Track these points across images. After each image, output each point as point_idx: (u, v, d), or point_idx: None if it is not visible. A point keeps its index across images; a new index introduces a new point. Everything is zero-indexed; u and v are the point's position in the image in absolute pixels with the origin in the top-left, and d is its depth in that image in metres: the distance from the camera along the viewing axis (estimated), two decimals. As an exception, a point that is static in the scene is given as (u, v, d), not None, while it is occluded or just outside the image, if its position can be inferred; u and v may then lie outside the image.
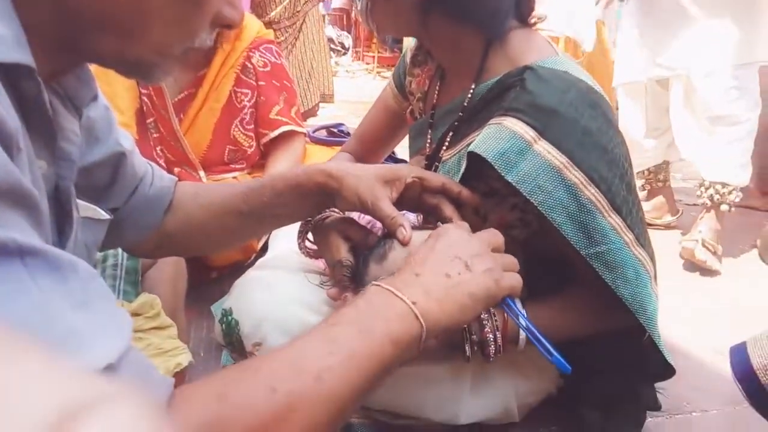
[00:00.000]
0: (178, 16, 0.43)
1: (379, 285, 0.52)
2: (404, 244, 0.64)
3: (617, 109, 2.17)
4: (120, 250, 0.86)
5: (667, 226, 2.24)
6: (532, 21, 0.76)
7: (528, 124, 0.65)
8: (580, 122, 0.65)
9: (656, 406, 0.82)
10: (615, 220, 0.68)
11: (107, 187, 0.63)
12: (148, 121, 1.50)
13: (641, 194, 2.27)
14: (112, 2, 0.40)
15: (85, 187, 0.60)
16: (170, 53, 0.45)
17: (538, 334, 0.61)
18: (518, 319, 0.62)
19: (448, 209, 0.70)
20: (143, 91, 1.46)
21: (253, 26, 1.52)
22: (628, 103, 2.15)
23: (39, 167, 0.42)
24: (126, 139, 0.65)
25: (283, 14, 2.65)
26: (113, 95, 1.38)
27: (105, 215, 0.61)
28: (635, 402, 0.81)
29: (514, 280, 0.59)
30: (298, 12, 2.69)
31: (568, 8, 2.49)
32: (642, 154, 2.15)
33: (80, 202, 0.56)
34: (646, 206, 2.24)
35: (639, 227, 0.71)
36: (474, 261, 0.55)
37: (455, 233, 0.59)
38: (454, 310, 0.52)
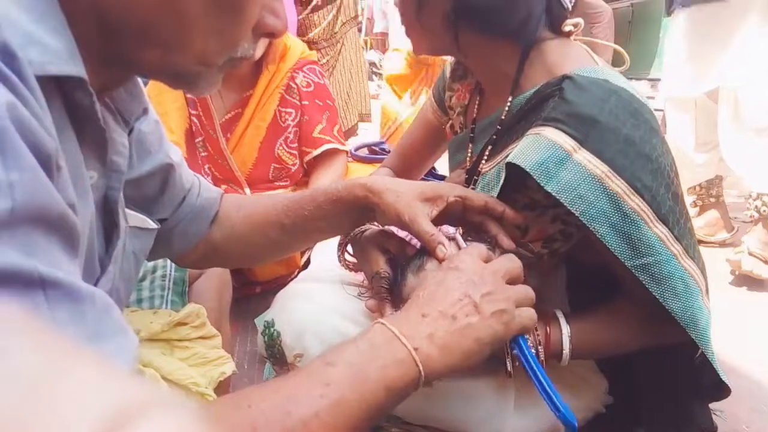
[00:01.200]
0: (218, 26, 0.44)
1: (383, 324, 0.51)
2: (442, 261, 0.63)
3: (663, 122, 2.11)
4: (168, 261, 0.89)
5: (722, 244, 2.15)
6: (567, 30, 0.75)
7: (567, 133, 0.64)
8: (622, 131, 0.64)
9: (712, 428, 0.78)
10: (661, 230, 0.65)
11: (156, 198, 0.66)
12: (197, 140, 1.56)
13: (692, 210, 2.19)
14: (152, 15, 0.41)
15: (136, 198, 0.63)
16: (213, 63, 0.46)
17: (545, 384, 0.57)
18: (526, 361, 0.59)
19: (494, 228, 0.69)
20: (192, 111, 1.53)
21: (297, 48, 1.57)
22: (678, 117, 2.09)
23: (90, 177, 0.44)
24: (175, 151, 0.68)
25: (322, 35, 2.74)
26: (164, 115, 1.45)
27: (153, 225, 0.63)
28: (688, 422, 0.77)
29: (525, 319, 0.57)
30: (335, 34, 2.77)
31: None
32: (692, 169, 2.09)
33: (129, 211, 0.59)
34: (697, 222, 2.15)
35: (688, 238, 0.68)
36: (484, 301, 0.54)
37: (469, 265, 0.57)
38: (457, 356, 0.51)
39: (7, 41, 0.32)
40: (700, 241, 2.09)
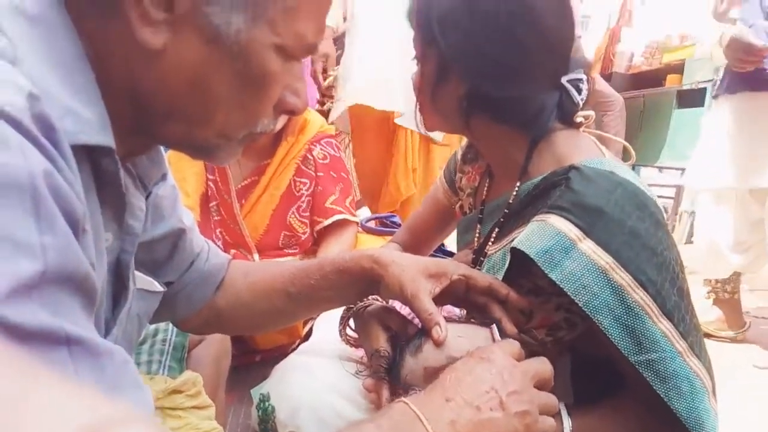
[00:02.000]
0: (240, 104, 0.46)
1: (407, 404, 0.51)
2: (437, 344, 0.63)
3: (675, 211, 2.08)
4: (170, 325, 0.89)
5: (733, 340, 2.08)
6: (578, 121, 0.78)
7: (573, 222, 0.65)
8: (627, 223, 0.65)
9: None
10: (666, 326, 0.65)
11: (166, 261, 0.67)
12: (211, 204, 1.59)
13: (705, 302, 2.14)
14: (181, 94, 0.44)
15: (145, 260, 0.64)
16: (233, 137, 0.49)
17: None
18: None
19: (497, 311, 0.69)
20: (210, 176, 1.57)
21: (316, 122, 1.63)
22: (715, 210, 1.99)
23: (105, 239, 0.46)
24: (187, 216, 0.69)
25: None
26: (182, 180, 1.49)
27: (159, 287, 0.64)
28: None
29: (547, 426, 0.56)
30: None
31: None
32: (717, 266, 2.02)
33: (137, 273, 0.60)
34: (709, 317, 2.09)
35: (694, 335, 0.67)
36: (510, 399, 0.53)
37: (500, 360, 0.57)
38: None
39: (47, 113, 0.35)
40: (710, 335, 2.03)
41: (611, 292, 0.63)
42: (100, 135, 0.40)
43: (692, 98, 3.82)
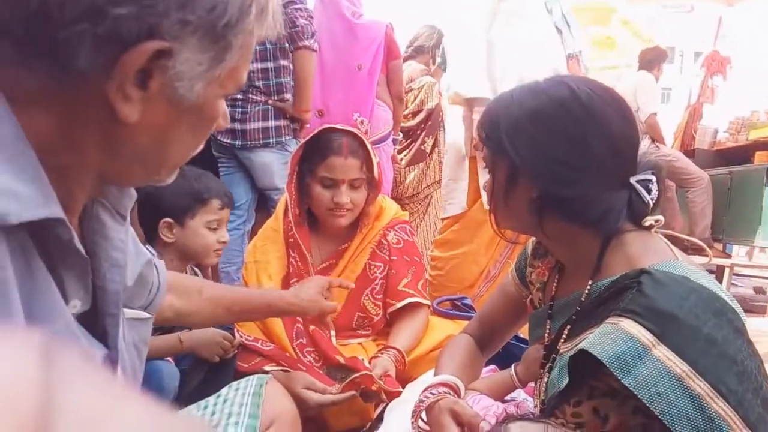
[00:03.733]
0: (193, 143, 0.55)
1: None
2: None
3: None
4: (243, 408, 0.94)
5: None
6: (647, 224, 0.79)
7: (646, 327, 0.65)
8: (703, 330, 0.64)
9: None
10: None
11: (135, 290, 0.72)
12: (292, 281, 1.67)
13: None
14: (145, 148, 0.51)
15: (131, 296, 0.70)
16: (182, 164, 0.58)
17: None
18: None
19: None
20: (292, 253, 1.66)
21: (391, 208, 1.71)
22: None
23: (73, 306, 0.50)
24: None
25: (409, 191, 3.18)
26: (266, 263, 1.59)
27: (146, 314, 0.69)
28: None
29: None
30: (419, 193, 3.23)
31: None
32: None
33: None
34: None
35: None
36: None
37: None
38: None
39: None
40: None
41: (689, 401, 0.62)
42: (44, 208, 0.42)
43: (784, 175, 3.63)
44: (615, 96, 0.81)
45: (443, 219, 2.43)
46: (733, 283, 4.11)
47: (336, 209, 1.54)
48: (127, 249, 0.61)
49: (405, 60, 3.33)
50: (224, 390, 0.97)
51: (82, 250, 0.49)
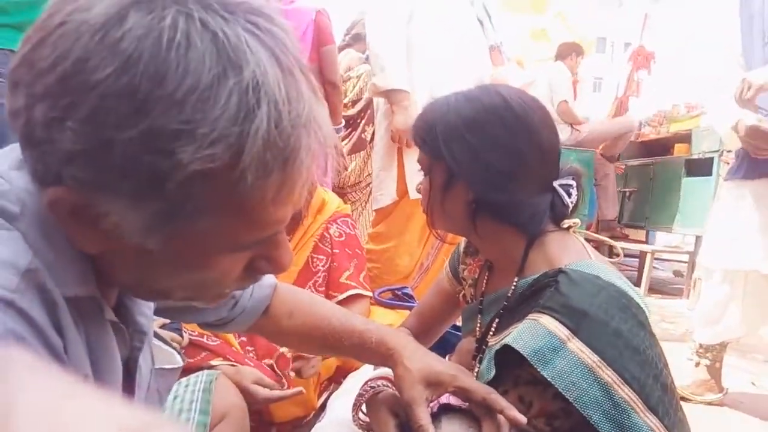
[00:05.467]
0: (191, 286, 0.50)
1: None
2: None
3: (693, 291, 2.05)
4: (193, 405, 0.96)
5: (709, 404, 2.08)
6: (566, 226, 0.86)
7: (562, 323, 0.72)
8: (611, 324, 0.72)
9: None
10: (652, 420, 0.70)
11: (207, 309, 0.76)
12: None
13: (688, 363, 2.15)
14: (132, 277, 0.50)
15: (187, 309, 0.73)
16: (205, 298, 0.54)
17: None
18: None
19: (487, 427, 0.74)
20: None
21: (333, 202, 1.74)
22: (726, 290, 1.97)
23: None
24: None
25: (351, 180, 3.20)
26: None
27: (179, 362, 0.72)
28: None
29: None
30: (360, 182, 3.26)
31: None
32: (707, 330, 2.04)
33: (157, 344, 0.68)
34: (686, 381, 2.10)
35: (678, 428, 0.72)
36: None
37: None
38: None
39: (42, 282, 0.42)
40: (686, 399, 2.02)
41: (599, 388, 0.70)
42: (83, 287, 0.47)
43: (700, 167, 3.91)
44: (540, 105, 0.87)
45: (375, 211, 2.45)
46: (654, 267, 4.41)
47: None
48: (151, 315, 0.63)
49: (342, 48, 3.32)
50: (174, 387, 0.98)
51: (114, 319, 0.53)
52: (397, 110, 2.11)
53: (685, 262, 4.22)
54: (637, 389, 0.70)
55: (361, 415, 0.88)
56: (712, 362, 2.09)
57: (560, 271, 0.77)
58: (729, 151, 3.10)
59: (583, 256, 0.82)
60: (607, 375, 0.70)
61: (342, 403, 1.09)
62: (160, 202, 0.40)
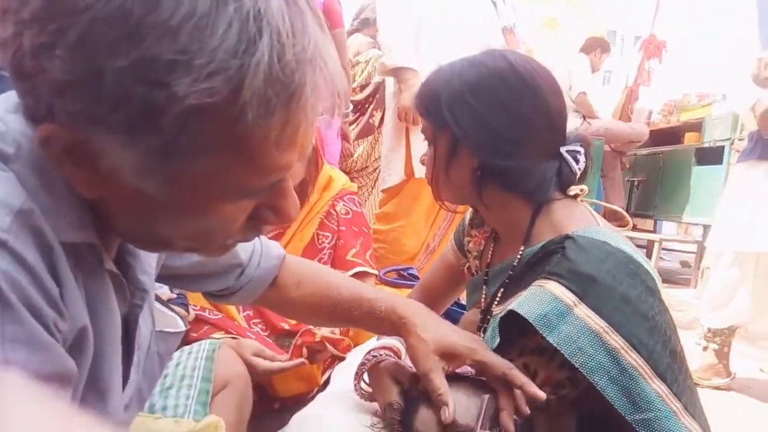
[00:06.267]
0: (193, 235, 0.47)
1: None
2: (444, 423, 0.68)
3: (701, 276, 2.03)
4: (196, 371, 0.96)
5: (717, 388, 2.07)
6: (572, 193, 0.84)
7: (568, 288, 0.71)
8: (618, 289, 0.70)
9: None
10: (660, 386, 0.69)
11: (213, 276, 0.76)
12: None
13: (696, 348, 2.13)
14: (129, 224, 0.48)
15: (193, 276, 0.73)
16: (209, 249, 0.51)
17: None
18: None
19: (504, 402, 0.72)
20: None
21: (340, 179, 1.73)
22: (736, 273, 1.97)
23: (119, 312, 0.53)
24: None
25: (358, 165, 3.17)
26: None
27: (181, 326, 0.70)
28: None
29: None
30: (367, 167, 3.23)
31: None
32: (716, 314, 2.03)
33: (160, 309, 0.67)
34: (694, 365, 2.08)
35: (687, 396, 0.71)
36: None
37: None
38: None
39: (35, 223, 0.41)
40: (695, 384, 2.00)
41: (606, 354, 0.68)
42: (81, 232, 0.45)
43: (711, 156, 3.87)
44: (547, 70, 0.85)
45: (382, 191, 2.45)
46: (661, 258, 4.39)
47: None
48: (154, 271, 0.62)
49: (351, 33, 3.29)
50: (176, 354, 0.98)
51: (114, 268, 0.51)
52: (404, 88, 2.10)
53: (693, 253, 4.19)
54: (645, 355, 0.69)
55: (363, 385, 0.87)
56: (720, 347, 2.08)
57: (567, 237, 0.76)
58: (741, 139, 3.07)
59: (590, 224, 0.81)
60: (614, 340, 0.69)
61: (345, 375, 1.08)
62: (156, 138, 0.38)
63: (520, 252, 0.84)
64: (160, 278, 0.72)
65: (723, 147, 3.70)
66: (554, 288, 0.72)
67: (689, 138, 4.21)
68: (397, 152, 2.27)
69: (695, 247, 4.13)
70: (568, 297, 0.71)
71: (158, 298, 0.66)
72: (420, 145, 1.95)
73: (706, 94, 4.43)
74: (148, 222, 0.46)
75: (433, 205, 2.09)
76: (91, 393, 0.48)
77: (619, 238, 0.77)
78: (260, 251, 0.81)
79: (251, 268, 0.79)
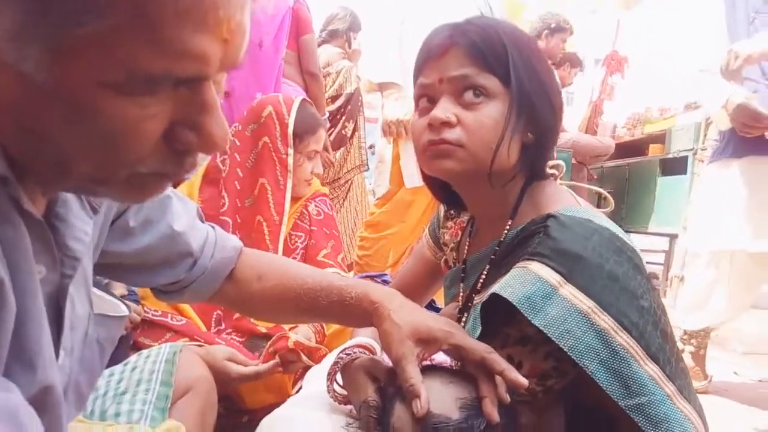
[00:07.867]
0: (90, 146, 0.39)
1: None
2: (416, 416, 0.62)
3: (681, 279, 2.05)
4: (154, 375, 0.89)
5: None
6: (550, 172, 0.82)
7: (553, 268, 0.67)
8: (605, 267, 0.67)
9: None
10: (653, 369, 0.65)
11: (161, 265, 0.69)
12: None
13: None
14: (23, 144, 0.40)
15: (140, 266, 0.66)
16: (110, 181, 0.42)
17: None
18: None
19: (484, 389, 0.65)
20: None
21: (314, 182, 1.71)
22: (712, 273, 1.95)
23: (39, 272, 0.44)
24: (179, 219, 0.70)
25: (330, 176, 3.14)
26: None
27: (123, 311, 0.62)
28: None
29: None
30: (339, 178, 3.22)
31: None
32: (693, 316, 2.03)
33: (101, 295, 0.59)
34: None
35: (682, 378, 0.67)
36: None
37: None
38: None
39: None
40: None
41: (595, 335, 0.64)
42: None
43: (675, 166, 3.96)
44: None
45: (378, 199, 2.47)
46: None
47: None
48: (89, 243, 0.53)
49: (320, 44, 3.28)
50: (133, 358, 0.91)
51: (36, 214, 0.43)
52: (387, 102, 2.14)
53: (660, 264, 4.25)
54: (637, 336, 0.65)
55: (336, 387, 0.81)
56: (696, 349, 2.08)
57: (549, 216, 0.72)
58: (704, 149, 3.14)
59: (572, 203, 0.78)
60: (604, 321, 0.65)
61: (318, 376, 1.02)
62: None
63: (507, 228, 0.79)
64: (101, 268, 0.64)
65: (686, 157, 3.78)
66: (538, 269, 0.68)
67: (653, 150, 4.31)
68: (386, 164, 2.34)
69: (662, 258, 4.19)
70: (553, 277, 0.67)
71: (96, 284, 0.59)
72: (409, 155, 1.98)
73: (668, 108, 4.55)
74: (34, 124, 0.38)
75: (423, 216, 2.12)
76: (16, 363, 0.41)
77: (602, 217, 0.74)
78: (214, 241, 0.75)
79: (204, 258, 0.73)
